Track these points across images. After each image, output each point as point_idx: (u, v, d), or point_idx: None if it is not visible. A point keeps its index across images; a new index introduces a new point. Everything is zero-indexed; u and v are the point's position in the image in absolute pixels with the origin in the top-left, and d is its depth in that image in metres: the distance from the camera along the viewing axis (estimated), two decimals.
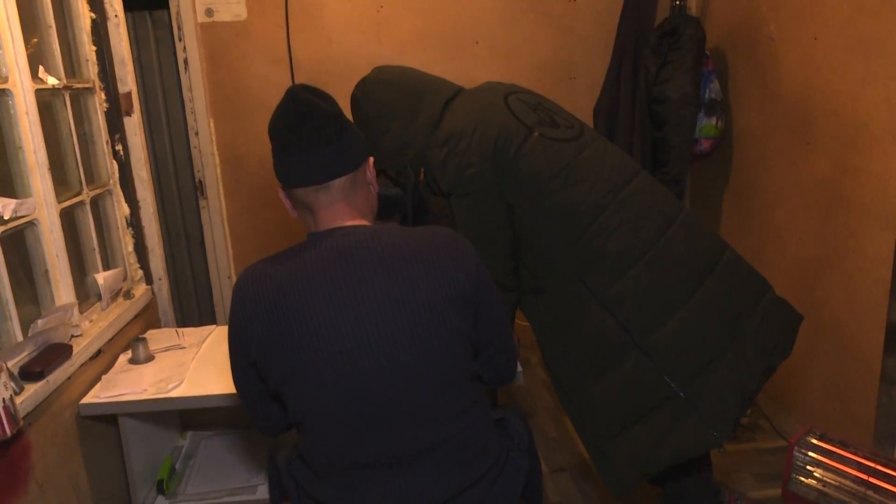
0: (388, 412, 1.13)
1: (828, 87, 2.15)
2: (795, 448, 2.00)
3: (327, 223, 1.20)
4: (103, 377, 1.84)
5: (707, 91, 2.69)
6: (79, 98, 2.02)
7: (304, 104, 1.17)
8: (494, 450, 1.27)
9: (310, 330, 1.10)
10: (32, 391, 1.51)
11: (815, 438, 2.01)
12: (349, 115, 1.27)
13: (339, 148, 1.18)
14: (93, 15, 2.08)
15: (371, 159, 1.27)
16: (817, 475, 1.97)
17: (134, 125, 2.25)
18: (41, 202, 1.69)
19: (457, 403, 1.19)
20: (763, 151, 2.55)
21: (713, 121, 2.70)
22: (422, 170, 1.69)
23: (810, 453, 2.00)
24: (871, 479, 1.85)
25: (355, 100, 1.73)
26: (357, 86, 1.74)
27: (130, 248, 2.24)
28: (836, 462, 1.94)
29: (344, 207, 1.20)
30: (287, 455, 1.32)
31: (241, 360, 1.20)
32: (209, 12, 2.82)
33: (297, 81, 2.88)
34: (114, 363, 1.95)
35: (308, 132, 1.16)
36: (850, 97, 2.06)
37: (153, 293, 2.36)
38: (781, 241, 2.46)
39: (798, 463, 2.00)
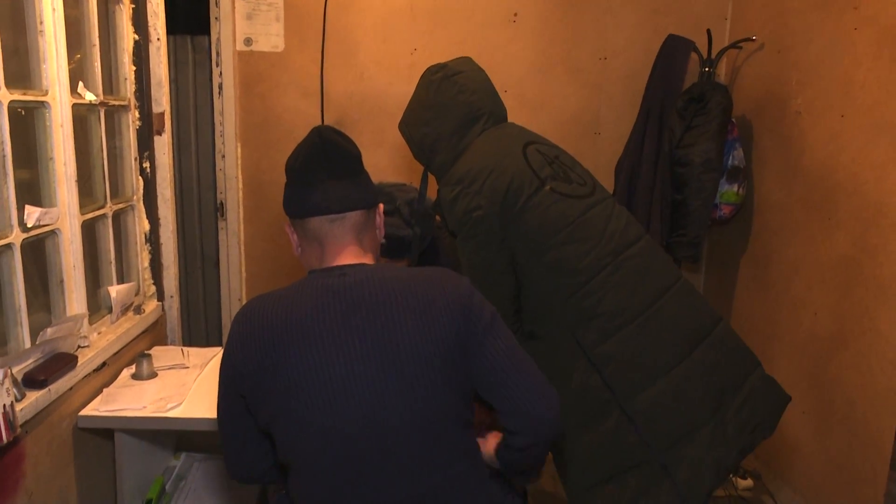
0: (375, 461, 1.12)
1: (852, 165, 2.15)
2: None
3: (333, 258, 1.21)
4: (104, 390, 1.84)
5: (730, 158, 2.70)
6: (113, 114, 2.08)
7: (329, 142, 1.22)
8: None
9: (299, 376, 1.11)
10: (33, 399, 1.51)
11: None
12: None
13: (357, 183, 1.23)
14: (136, 36, 2.15)
15: (381, 206, 1.31)
16: None
17: (163, 144, 2.30)
18: (65, 213, 1.73)
19: (446, 453, 1.17)
20: (783, 222, 2.54)
21: (735, 187, 2.70)
22: (437, 215, 1.71)
23: None
24: None
25: (430, 80, 1.72)
26: (440, 67, 1.72)
27: (146, 263, 2.27)
28: None
29: (353, 242, 1.22)
30: (277, 490, 1.31)
31: (231, 392, 1.20)
32: (248, 41, 2.90)
33: (326, 115, 2.95)
34: (117, 377, 1.95)
35: (330, 165, 1.21)
36: (873, 177, 2.05)
37: (163, 310, 2.37)
38: (796, 314, 2.43)
39: None
